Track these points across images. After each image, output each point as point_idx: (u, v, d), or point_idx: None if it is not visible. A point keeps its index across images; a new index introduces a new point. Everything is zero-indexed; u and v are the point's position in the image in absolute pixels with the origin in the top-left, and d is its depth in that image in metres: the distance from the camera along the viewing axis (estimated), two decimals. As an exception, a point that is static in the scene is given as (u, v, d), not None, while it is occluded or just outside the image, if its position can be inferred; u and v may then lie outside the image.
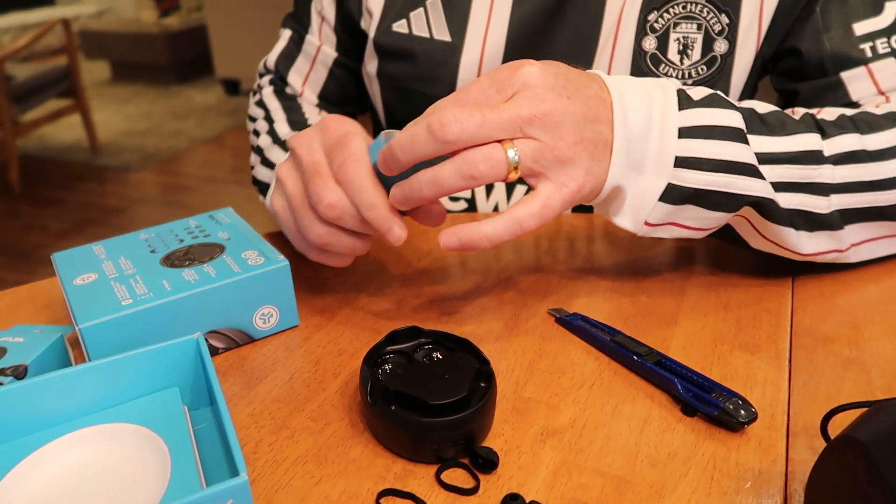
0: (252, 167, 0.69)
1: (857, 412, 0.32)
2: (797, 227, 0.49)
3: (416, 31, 0.68)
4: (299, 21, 0.76)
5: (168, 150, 3.48)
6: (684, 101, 0.46)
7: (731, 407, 0.39)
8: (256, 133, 0.70)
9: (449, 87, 0.68)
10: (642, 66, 0.63)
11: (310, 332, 0.50)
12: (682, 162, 0.45)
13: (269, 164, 0.64)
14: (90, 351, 0.43)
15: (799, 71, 0.62)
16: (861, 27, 0.58)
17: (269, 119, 0.69)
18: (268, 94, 0.74)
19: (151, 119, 3.95)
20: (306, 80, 0.75)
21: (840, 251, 0.51)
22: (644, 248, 0.61)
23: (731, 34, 0.62)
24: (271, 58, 0.77)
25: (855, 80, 0.59)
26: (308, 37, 0.74)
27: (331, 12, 0.72)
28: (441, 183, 0.42)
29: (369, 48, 0.71)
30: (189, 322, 0.46)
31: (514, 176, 0.42)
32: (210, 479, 0.36)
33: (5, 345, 0.45)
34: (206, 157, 3.40)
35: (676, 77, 0.63)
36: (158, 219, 2.72)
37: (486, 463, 0.37)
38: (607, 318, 0.50)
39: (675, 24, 0.62)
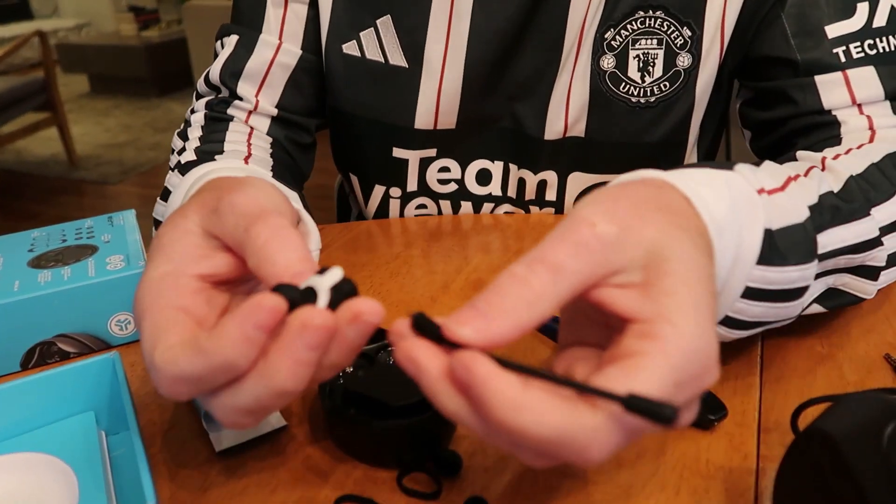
0: None
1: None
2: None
3: (369, 55, 0.63)
4: (248, 23, 0.65)
5: (148, 162, 3.45)
6: (766, 250, 0.34)
7: (701, 404, 0.38)
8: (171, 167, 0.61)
9: (408, 116, 0.64)
10: (601, 86, 0.61)
11: (273, 336, 0.49)
12: (729, 321, 0.37)
13: (164, 196, 0.57)
14: None
15: (770, 76, 0.59)
16: (833, 29, 0.54)
17: (181, 150, 0.60)
18: (196, 120, 0.64)
19: (131, 132, 3.91)
20: (261, 87, 0.64)
21: None
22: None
23: (695, 47, 0.59)
24: (214, 71, 0.65)
25: (830, 87, 0.54)
26: (263, 36, 0.64)
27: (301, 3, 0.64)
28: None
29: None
30: (34, 325, 0.45)
31: None
32: None
33: None
34: (187, 169, 3.37)
35: (638, 95, 0.61)
36: (137, 231, 2.68)
37: (449, 466, 0.36)
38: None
39: (634, 41, 0.59)
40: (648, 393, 0.25)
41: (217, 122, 0.64)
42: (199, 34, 3.98)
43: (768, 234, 0.35)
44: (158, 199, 0.57)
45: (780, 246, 0.35)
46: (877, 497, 0.24)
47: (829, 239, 0.39)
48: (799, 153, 0.46)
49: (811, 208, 0.38)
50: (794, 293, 0.37)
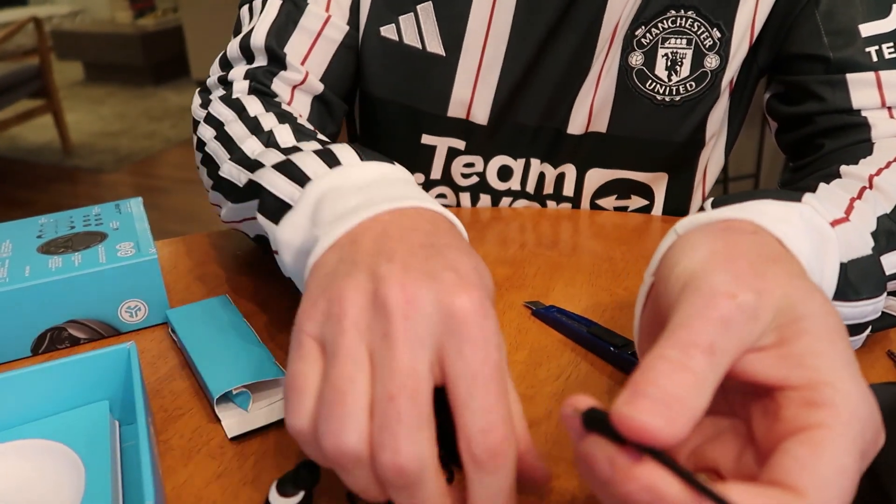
0: (204, 167, 0.53)
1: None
2: None
3: (406, 40, 0.62)
4: None
5: (142, 151, 3.43)
6: (841, 284, 0.35)
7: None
8: (227, 138, 0.50)
9: (441, 103, 0.64)
10: (628, 82, 0.62)
11: (284, 322, 0.49)
12: None
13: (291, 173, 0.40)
14: None
15: (801, 71, 0.58)
16: (867, 28, 0.54)
17: (254, 125, 0.50)
18: (240, 89, 0.57)
19: (126, 120, 3.90)
20: (307, 58, 0.60)
21: None
22: (621, 241, 0.61)
23: (724, 49, 0.59)
24: (257, 35, 0.59)
25: (860, 86, 0.54)
26: (310, 7, 0.60)
27: None
28: None
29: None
30: (45, 310, 0.45)
31: None
32: (134, 500, 0.34)
33: None
34: (181, 158, 3.36)
35: (664, 93, 0.61)
36: (132, 221, 2.67)
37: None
38: (584, 311, 0.50)
39: (664, 40, 0.60)
40: (842, 469, 0.22)
41: (265, 96, 0.58)
42: (196, 22, 3.96)
43: (842, 267, 0.34)
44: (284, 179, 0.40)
45: (853, 279, 0.35)
46: (893, 484, 0.25)
47: (885, 265, 0.39)
48: (843, 169, 0.45)
49: (872, 235, 0.38)
50: (863, 326, 0.37)
